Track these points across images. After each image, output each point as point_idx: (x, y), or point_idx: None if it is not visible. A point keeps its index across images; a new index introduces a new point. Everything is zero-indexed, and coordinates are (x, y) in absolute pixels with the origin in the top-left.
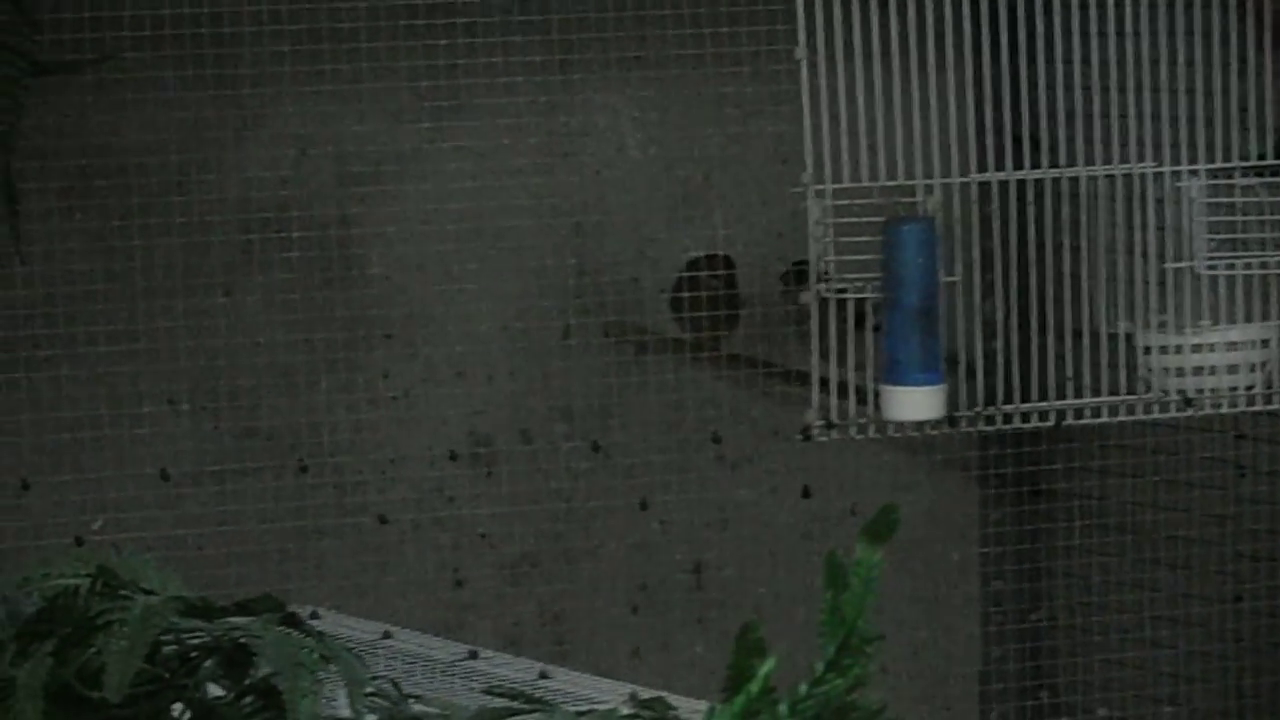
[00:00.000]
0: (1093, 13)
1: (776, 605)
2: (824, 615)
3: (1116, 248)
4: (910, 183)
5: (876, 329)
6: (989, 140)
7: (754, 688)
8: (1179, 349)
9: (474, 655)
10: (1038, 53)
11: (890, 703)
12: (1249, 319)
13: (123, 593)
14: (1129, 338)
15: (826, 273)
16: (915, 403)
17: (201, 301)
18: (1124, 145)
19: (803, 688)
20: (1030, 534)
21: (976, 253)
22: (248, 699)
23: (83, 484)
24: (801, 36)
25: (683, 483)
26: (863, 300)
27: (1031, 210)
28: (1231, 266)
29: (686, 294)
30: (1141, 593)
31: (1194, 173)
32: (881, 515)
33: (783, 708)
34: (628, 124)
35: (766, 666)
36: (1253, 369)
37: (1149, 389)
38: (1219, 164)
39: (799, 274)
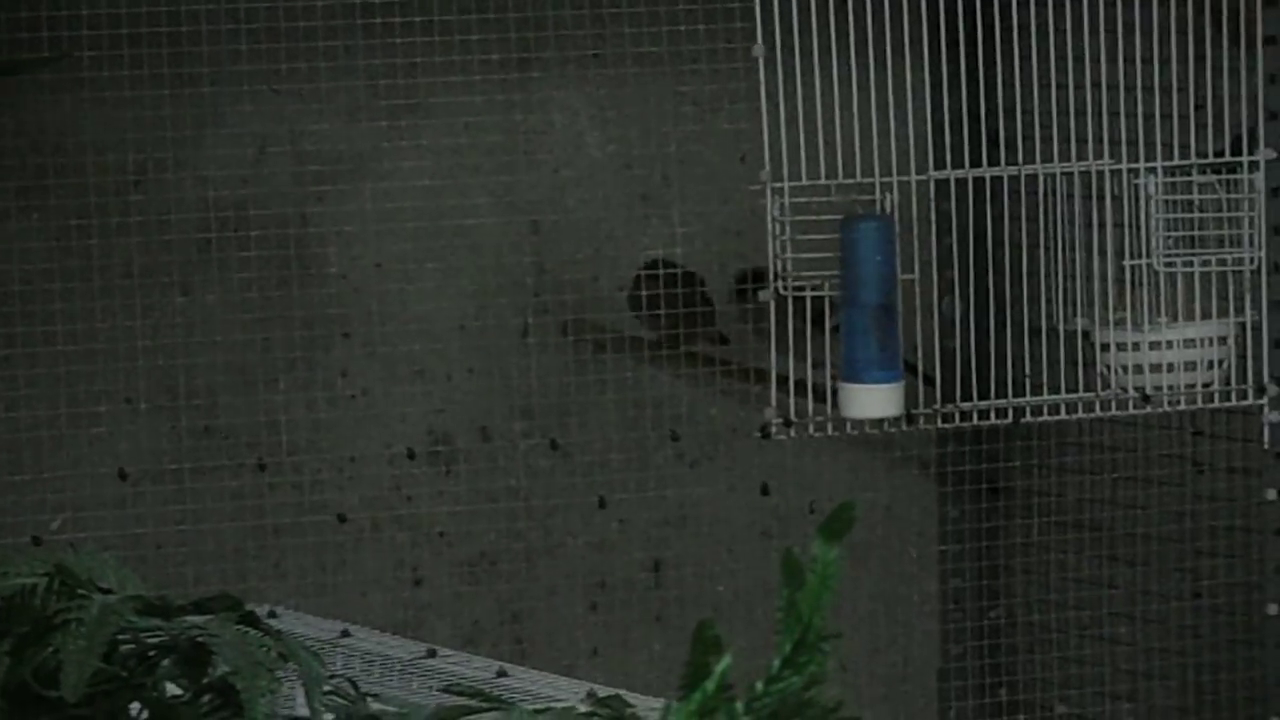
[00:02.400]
0: (1050, 9)
1: (735, 603)
2: (781, 613)
3: (1075, 245)
4: (868, 180)
5: (835, 329)
6: (947, 138)
7: (710, 685)
8: (1137, 346)
9: (432, 654)
10: (996, 50)
11: (848, 700)
12: (1207, 316)
13: (80, 592)
14: (1086, 335)
15: (784, 270)
16: (873, 400)
17: (159, 300)
18: (1082, 142)
19: (759, 685)
20: (988, 531)
21: (934, 250)
22: (206, 698)
23: (40, 483)
24: (760, 34)
25: (641, 481)
26: (821, 298)
27: (989, 207)
28: (1189, 264)
29: (645, 293)
30: (1100, 590)
31: (1151, 170)
32: (839, 513)
33: (739, 705)
34: (586, 122)
35: (723, 664)
36: (1210, 366)
37: (1107, 386)
38: (1177, 161)
39: (752, 277)
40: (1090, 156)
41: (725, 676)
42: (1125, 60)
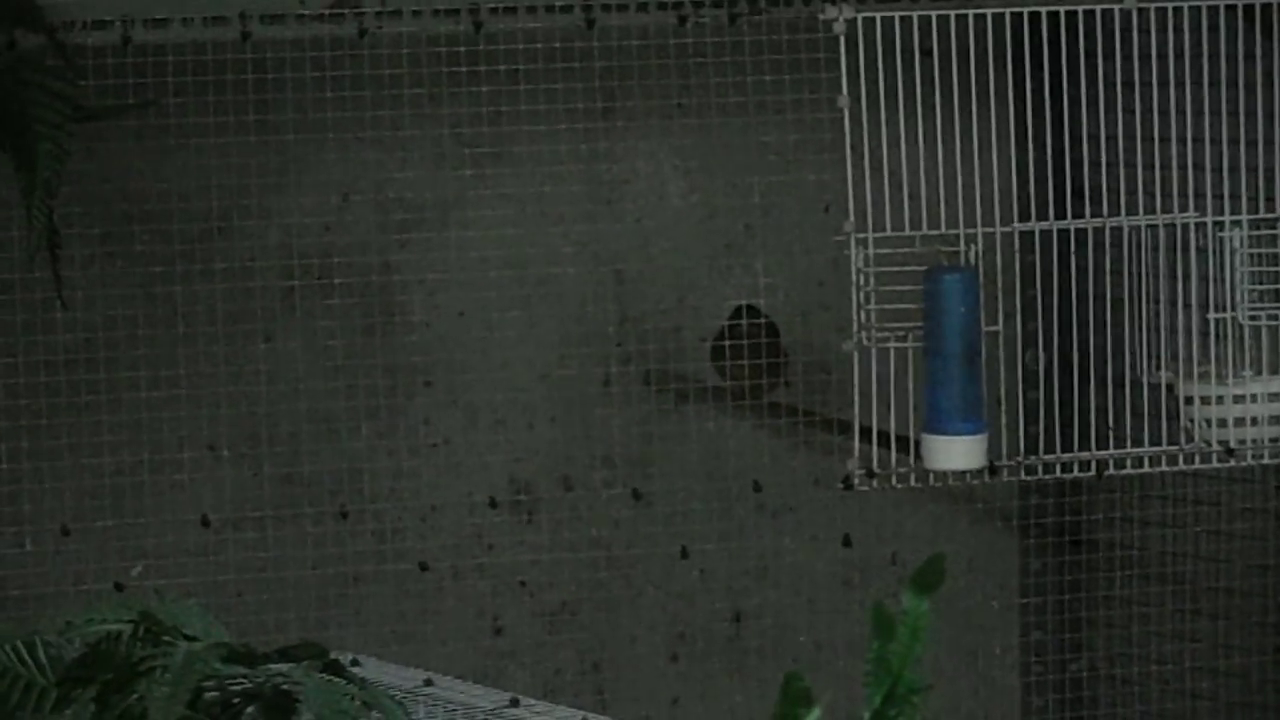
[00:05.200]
0: (1136, 63)
1: (816, 654)
2: (870, 665)
3: (1159, 298)
4: (952, 232)
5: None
6: (1032, 189)
7: None
8: (1220, 399)
9: (515, 703)
10: (1081, 102)
11: None
12: None
13: (165, 639)
14: (1170, 388)
15: (868, 321)
16: (956, 452)
17: (242, 348)
18: (1166, 195)
19: None
20: (1071, 584)
21: (1018, 302)
22: None
23: (123, 530)
24: (844, 84)
25: (723, 531)
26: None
27: (1073, 260)
28: (1274, 317)
29: (728, 343)
30: (1182, 643)
31: (1236, 223)
32: (929, 565)
33: None
34: (670, 172)
35: (813, 715)
36: None
37: (1190, 439)
38: (1261, 214)
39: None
40: (1175, 209)
41: None
42: (1210, 113)
